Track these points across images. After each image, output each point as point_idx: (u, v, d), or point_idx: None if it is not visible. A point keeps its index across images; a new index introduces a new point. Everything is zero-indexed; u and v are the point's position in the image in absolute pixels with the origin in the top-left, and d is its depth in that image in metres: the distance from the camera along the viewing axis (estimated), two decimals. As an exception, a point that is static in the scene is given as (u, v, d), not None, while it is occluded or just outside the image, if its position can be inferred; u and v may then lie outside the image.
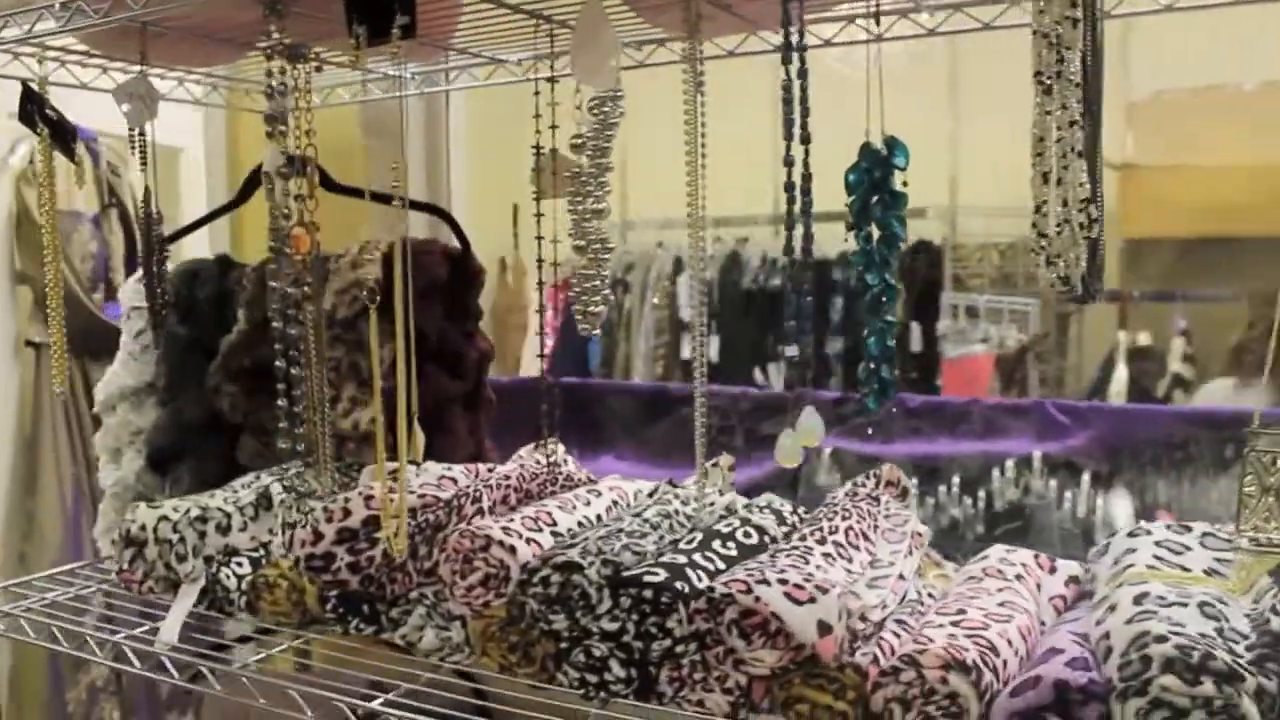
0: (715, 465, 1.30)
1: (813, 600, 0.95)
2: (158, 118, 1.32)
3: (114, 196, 2.27)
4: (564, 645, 1.08)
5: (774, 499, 1.26)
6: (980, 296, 2.71)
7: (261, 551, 1.34)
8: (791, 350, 1.02)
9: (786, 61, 0.93)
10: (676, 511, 1.19)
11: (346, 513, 1.18)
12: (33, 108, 1.27)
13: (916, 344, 2.94)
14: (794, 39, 0.93)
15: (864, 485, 1.18)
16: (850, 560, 1.06)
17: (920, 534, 1.16)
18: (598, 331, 1.06)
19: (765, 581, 0.97)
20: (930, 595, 1.11)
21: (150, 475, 1.63)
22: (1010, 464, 1.61)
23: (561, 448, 1.41)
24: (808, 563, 1.02)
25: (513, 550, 1.11)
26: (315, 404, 1.43)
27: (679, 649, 1.02)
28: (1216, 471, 1.61)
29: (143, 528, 1.29)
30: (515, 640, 1.11)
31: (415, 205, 1.62)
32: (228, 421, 1.61)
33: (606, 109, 0.99)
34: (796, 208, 1.02)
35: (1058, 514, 1.57)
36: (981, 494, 1.62)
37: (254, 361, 1.57)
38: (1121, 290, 2.79)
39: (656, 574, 1.03)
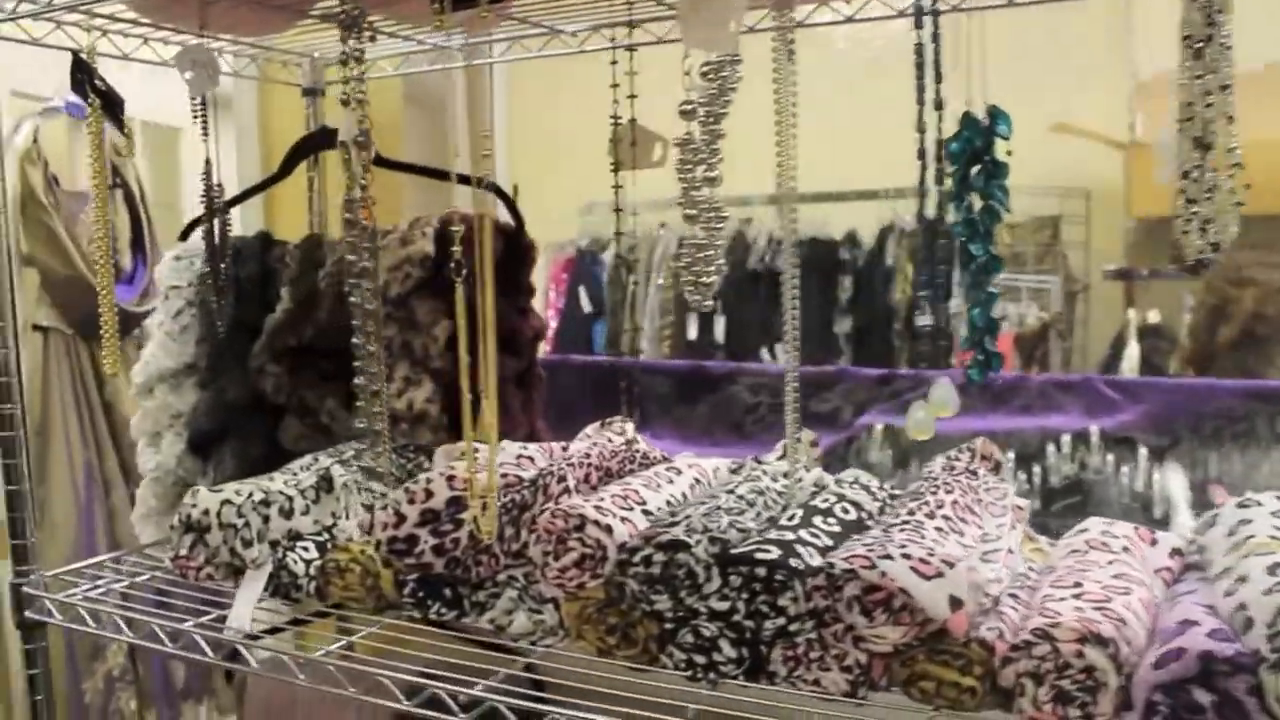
0: (799, 440, 1.28)
1: (940, 575, 0.93)
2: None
3: (118, 177, 2.19)
4: (668, 626, 1.06)
5: (861, 474, 1.24)
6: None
7: (326, 535, 1.30)
8: (925, 320, 1.00)
9: (919, 26, 0.90)
10: (768, 488, 1.17)
11: (429, 494, 1.14)
12: (83, 77, 1.22)
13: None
14: (926, 3, 0.90)
15: (959, 459, 1.17)
16: (962, 534, 1.04)
17: (1021, 507, 1.14)
18: (710, 303, 1.03)
19: (889, 556, 0.95)
20: (1032, 569, 1.09)
21: (191, 459, 1.58)
22: (1066, 439, 1.60)
23: (631, 425, 1.38)
24: (924, 537, 0.99)
25: (609, 529, 1.08)
26: (375, 384, 1.40)
27: (793, 627, 1.00)
28: (1268, 445, 1.61)
29: (205, 512, 1.24)
30: (614, 622, 1.08)
31: (467, 180, 1.59)
32: (270, 403, 1.57)
33: (725, 73, 0.96)
34: (930, 175, 0.99)
35: (1115, 488, 1.56)
36: (1037, 469, 1.61)
37: (299, 341, 1.53)
38: (1130, 268, 2.81)
39: (769, 551, 1.00)
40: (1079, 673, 0.90)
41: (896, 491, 1.22)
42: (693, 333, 3.23)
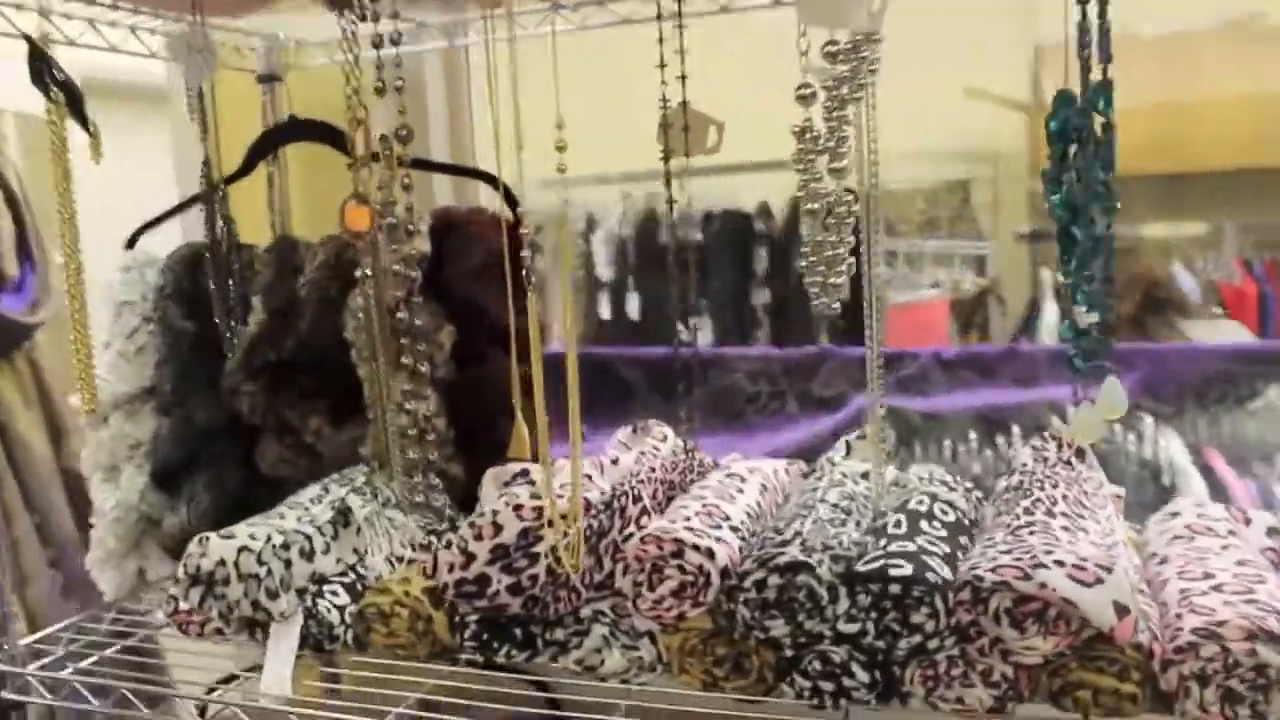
0: (860, 438, 1.22)
1: (1100, 581, 0.88)
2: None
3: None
4: (788, 653, 0.98)
5: (935, 469, 1.18)
6: (926, 242, 2.72)
7: (353, 576, 1.17)
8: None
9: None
10: (856, 493, 1.10)
11: (498, 527, 1.03)
12: (42, 66, 1.04)
13: (846, 292, 2.92)
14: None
15: (1048, 449, 1.12)
16: (1086, 531, 0.99)
17: (1120, 496, 1.11)
18: (837, 306, 0.95)
19: (1042, 565, 0.89)
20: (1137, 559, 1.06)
21: (156, 493, 1.41)
22: (1072, 410, 1.59)
23: (668, 430, 1.29)
24: (1059, 540, 0.95)
25: (710, 554, 0.99)
26: (380, 401, 1.27)
27: (931, 644, 0.94)
28: (1252, 405, 1.64)
29: (221, 563, 1.09)
30: (723, 653, 1.00)
31: (459, 170, 1.46)
32: (244, 425, 1.41)
33: (864, 52, 0.87)
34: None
35: (1124, 458, 1.56)
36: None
37: (279, 355, 1.38)
38: (1039, 229, 2.85)
39: (900, 566, 0.94)
40: (1249, 671, 0.87)
41: (968, 485, 1.17)
42: (605, 312, 3.14)
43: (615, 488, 1.08)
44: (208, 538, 1.11)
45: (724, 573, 1.00)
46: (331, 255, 1.36)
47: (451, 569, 1.03)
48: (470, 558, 1.02)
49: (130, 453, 1.40)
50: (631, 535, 1.03)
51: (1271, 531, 1.08)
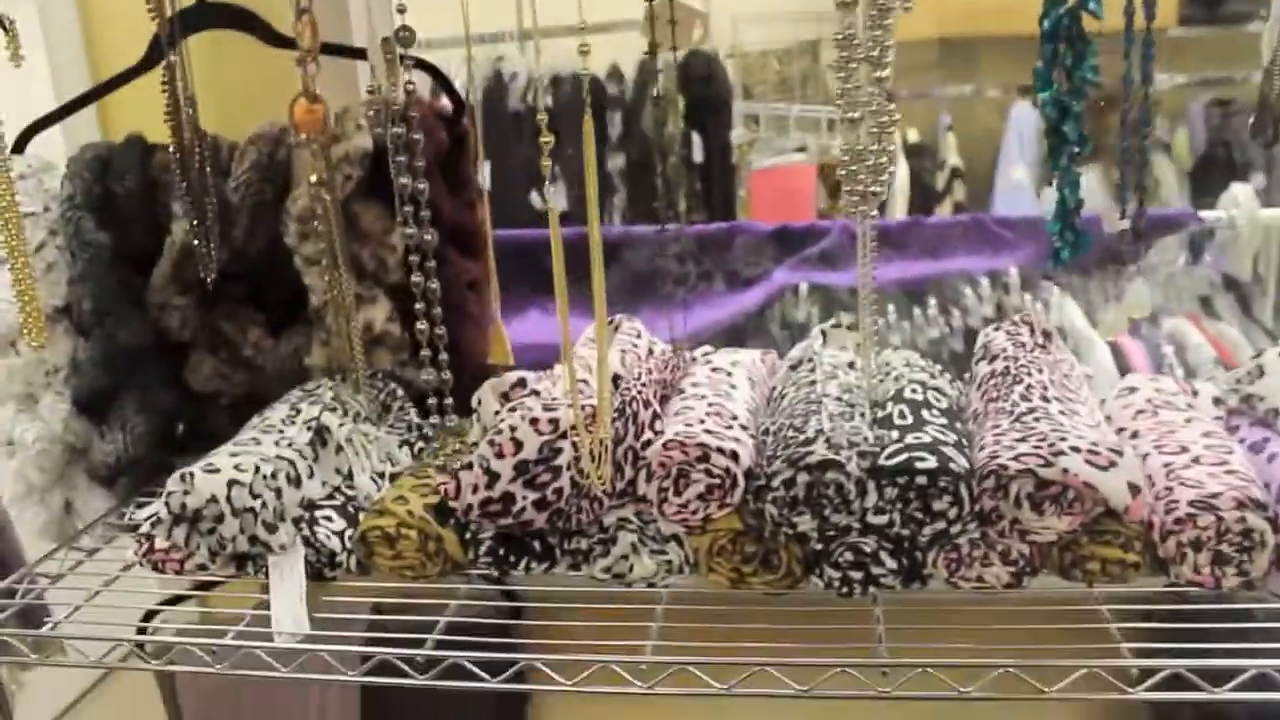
0: (837, 326, 1.25)
1: (1114, 464, 0.95)
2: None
3: None
4: (817, 546, 1.02)
5: (909, 354, 1.23)
6: (792, 106, 2.73)
7: (342, 498, 1.13)
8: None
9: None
10: (850, 385, 1.13)
11: (518, 444, 1.01)
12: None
13: (699, 155, 2.93)
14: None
15: (1020, 333, 1.18)
16: (1079, 414, 1.06)
17: (1090, 375, 1.18)
18: (875, 215, 0.95)
19: (1063, 452, 0.95)
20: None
21: (80, 420, 1.30)
22: (984, 280, 1.67)
23: (639, 323, 1.28)
24: (1065, 426, 1.01)
25: (735, 456, 1.01)
26: (341, 309, 1.21)
27: (954, 529, 0.99)
28: (1132, 269, 1.76)
29: (212, 499, 1.03)
30: (752, 550, 1.03)
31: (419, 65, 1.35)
32: (172, 341, 1.32)
33: (915, -42, 0.86)
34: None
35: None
36: (956, 313, 1.67)
37: (206, 273, 1.28)
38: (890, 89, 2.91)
39: (925, 459, 0.98)
40: (1237, 535, 0.96)
41: (939, 368, 1.22)
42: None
43: (623, 394, 1.07)
44: (191, 474, 1.05)
45: (748, 473, 1.02)
46: (264, 155, 1.27)
47: (476, 489, 1.01)
48: (494, 477, 1.00)
49: (48, 379, 1.28)
50: (651, 441, 1.03)
51: (1217, 401, 1.18)
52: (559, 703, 1.51)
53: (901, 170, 2.82)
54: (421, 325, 1.06)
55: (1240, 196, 1.71)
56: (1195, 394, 1.19)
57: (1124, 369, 1.61)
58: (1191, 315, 1.71)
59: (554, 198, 3.12)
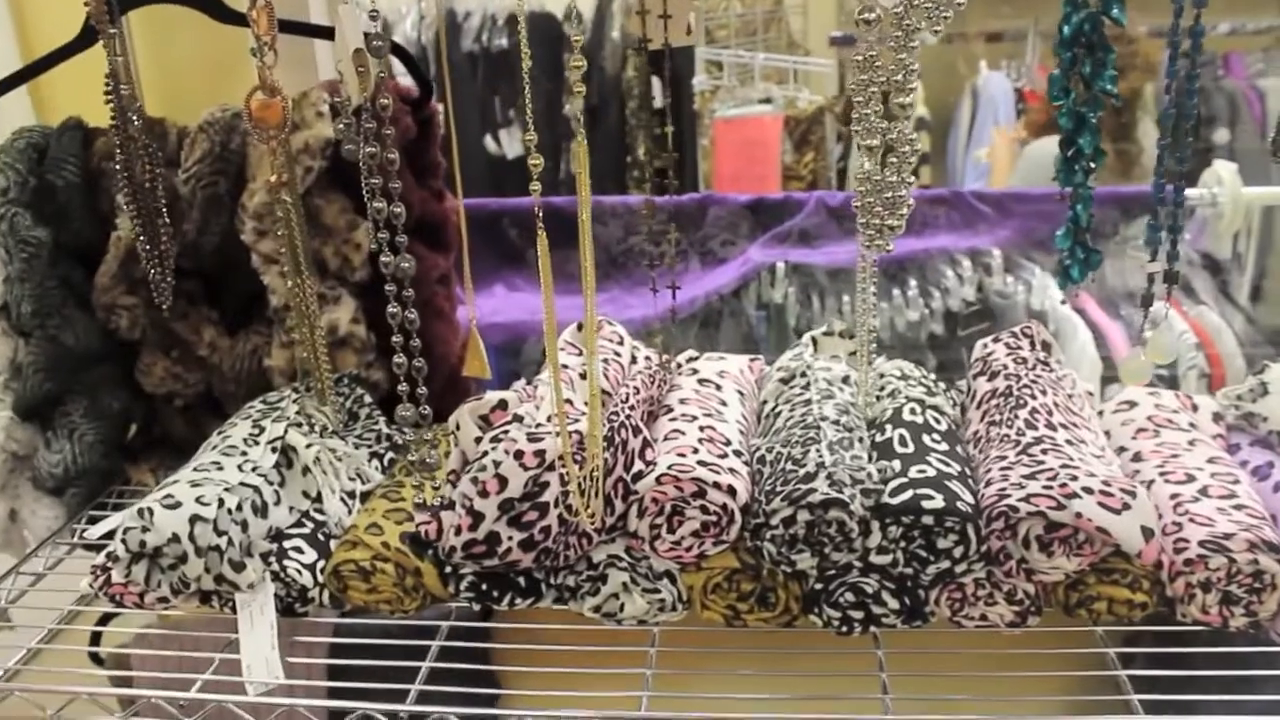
0: (829, 333, 1.19)
1: (1128, 507, 0.92)
2: None
3: None
4: (816, 586, 0.98)
5: (903, 364, 1.18)
6: (756, 55, 2.63)
7: (310, 525, 1.07)
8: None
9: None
10: (847, 405, 1.08)
11: (503, 481, 0.95)
12: None
13: (659, 100, 2.84)
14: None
15: (1021, 347, 1.13)
16: (1085, 443, 1.02)
17: (1091, 393, 1.14)
18: (891, 247, 0.88)
19: (1075, 495, 0.92)
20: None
21: (23, 428, 1.22)
22: (966, 261, 1.63)
23: (620, 328, 1.22)
24: (1074, 461, 0.97)
25: (732, 491, 0.96)
26: (304, 315, 1.14)
27: (959, 569, 0.96)
28: (1111, 245, 1.73)
29: (174, 538, 0.96)
30: (749, 588, 0.99)
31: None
32: (119, 341, 1.23)
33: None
34: None
35: (1016, 310, 1.62)
36: (936, 293, 1.63)
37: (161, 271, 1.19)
38: (852, 34, 2.83)
39: (932, 497, 0.94)
40: (1247, 577, 0.93)
41: (934, 378, 1.18)
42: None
43: (611, 420, 1.01)
44: (150, 510, 0.97)
45: (745, 509, 0.97)
46: (217, 144, 1.18)
47: (459, 531, 0.95)
48: (478, 517, 0.95)
49: (-14, 384, 1.20)
50: (642, 474, 0.98)
51: (1217, 417, 1.15)
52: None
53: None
54: (393, 308, 0.98)
55: (1223, 174, 1.68)
56: (1195, 409, 1.16)
57: (1104, 354, 1.58)
58: (1171, 299, 1.68)
59: (509, 144, 3.03)
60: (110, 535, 1.03)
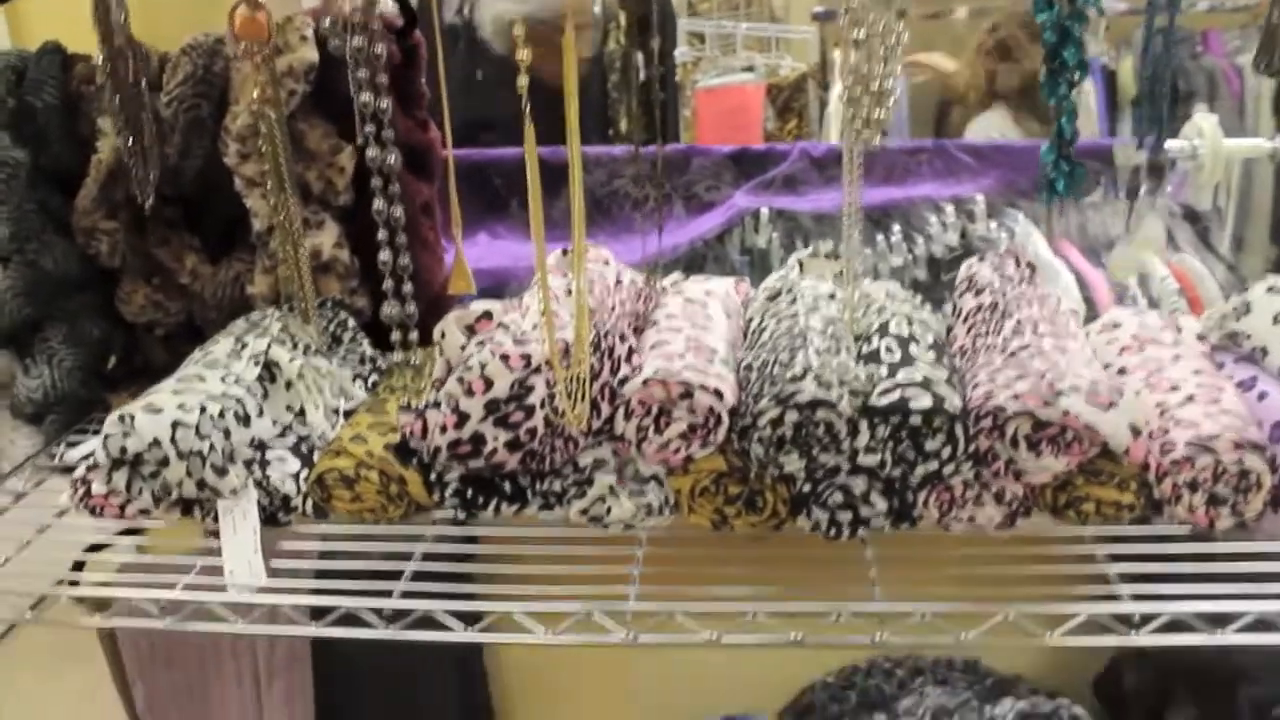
0: (815, 255, 1.19)
1: (1114, 404, 0.92)
2: None
3: None
4: (804, 488, 0.97)
5: (889, 284, 1.18)
6: (739, 25, 2.64)
7: (294, 437, 1.06)
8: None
9: None
10: (833, 317, 1.08)
11: (488, 381, 0.94)
12: None
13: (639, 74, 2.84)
14: None
15: (1004, 265, 1.13)
16: (1069, 351, 1.02)
17: (1077, 311, 1.14)
18: (878, 141, 0.88)
19: (1062, 392, 0.92)
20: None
21: (2, 354, 1.21)
22: (949, 208, 1.63)
23: (605, 251, 1.21)
24: (1059, 364, 0.97)
25: (719, 394, 0.95)
26: (288, 235, 1.13)
27: (946, 470, 0.95)
28: (1092, 198, 1.73)
29: (155, 443, 0.95)
30: (736, 492, 0.98)
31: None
32: (102, 268, 1.22)
33: None
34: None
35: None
36: (920, 240, 1.63)
37: (142, 194, 1.18)
38: (834, 10, 2.84)
39: (919, 397, 0.94)
40: (1233, 476, 0.93)
41: (920, 299, 1.18)
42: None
43: (597, 327, 1.01)
44: (131, 415, 0.96)
45: (732, 412, 0.97)
46: (199, 68, 1.17)
47: (444, 430, 0.94)
48: (464, 417, 0.94)
49: (-37, 308, 1.18)
50: (629, 378, 0.97)
51: (1201, 338, 1.15)
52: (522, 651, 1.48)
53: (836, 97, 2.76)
54: (385, 256, 0.97)
55: (1204, 126, 1.68)
56: (1179, 330, 1.16)
57: (1088, 300, 1.58)
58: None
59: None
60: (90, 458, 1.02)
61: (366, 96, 0.96)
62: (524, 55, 0.87)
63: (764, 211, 1.62)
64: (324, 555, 1.02)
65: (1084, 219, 1.70)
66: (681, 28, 2.72)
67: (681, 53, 2.68)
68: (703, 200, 1.63)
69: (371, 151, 0.95)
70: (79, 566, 1.22)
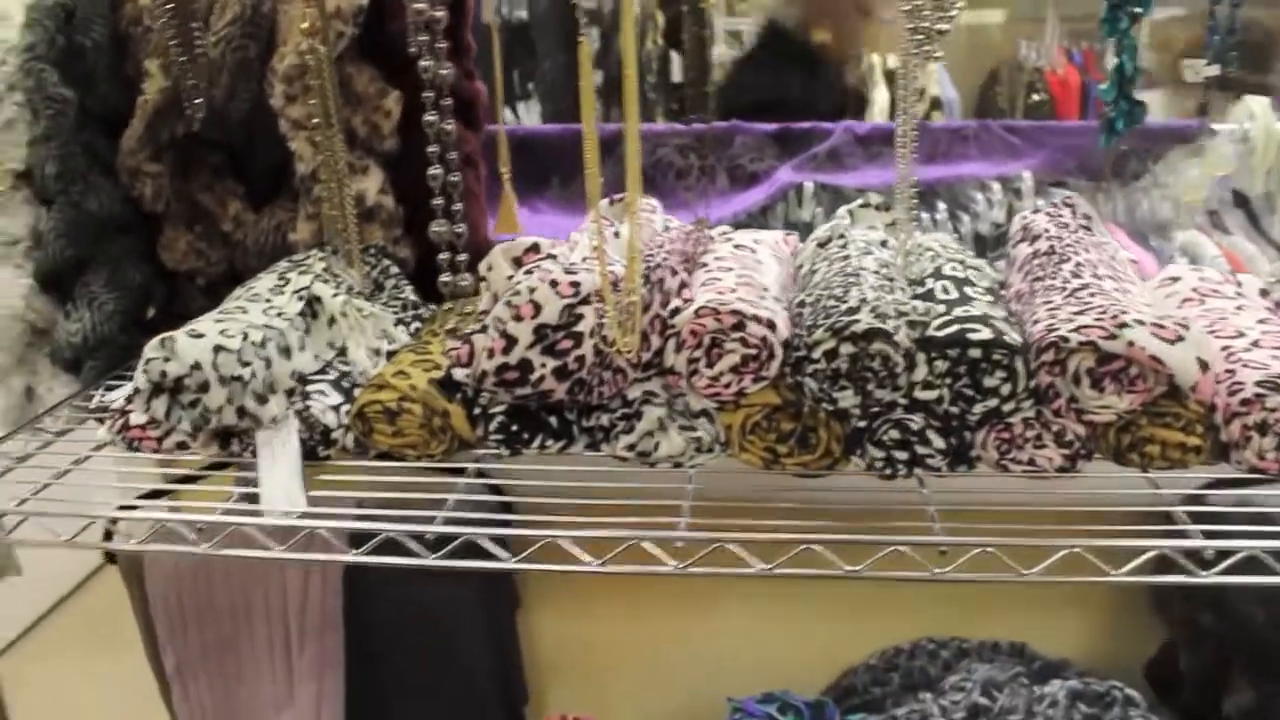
0: (865, 205, 1.17)
1: (1181, 338, 0.89)
2: None
3: None
4: (859, 424, 0.95)
5: (941, 235, 1.16)
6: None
7: (336, 372, 1.04)
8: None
9: None
10: (887, 261, 1.05)
11: (537, 306, 0.92)
12: None
13: (677, 75, 2.84)
14: None
15: (1060, 213, 1.11)
16: (1131, 293, 0.99)
17: (1135, 260, 1.12)
18: (941, 54, 0.86)
19: (1126, 324, 0.89)
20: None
21: (43, 298, 1.20)
22: (996, 186, 1.61)
23: (654, 200, 1.20)
24: (1122, 301, 0.94)
25: (772, 325, 0.93)
26: (333, 174, 1.11)
27: (1007, 408, 0.92)
28: (1141, 182, 1.71)
29: (196, 366, 0.94)
30: (788, 428, 0.95)
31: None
32: (145, 212, 1.21)
33: None
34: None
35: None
36: (966, 218, 1.61)
37: (186, 129, 1.18)
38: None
39: (979, 330, 0.91)
40: (1306, 418, 0.90)
41: (971, 251, 1.15)
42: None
43: (649, 259, 0.99)
44: (172, 339, 0.95)
45: (785, 344, 0.94)
46: (247, 7, 1.16)
47: (491, 354, 0.92)
48: (512, 341, 0.92)
49: (6, 251, 1.18)
50: (680, 309, 0.95)
51: (1263, 293, 1.12)
52: (549, 602, 1.45)
53: (882, 97, 2.75)
54: (434, 170, 0.96)
55: (1256, 109, 1.66)
56: (1239, 285, 1.13)
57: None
58: (1201, 230, 1.67)
59: (527, 116, 3.03)
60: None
61: (427, 61, 0.94)
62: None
63: (808, 186, 1.60)
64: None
65: (1131, 202, 1.68)
66: (719, 26, 2.73)
67: (718, 53, 2.68)
68: (747, 171, 1.62)
69: (430, 115, 0.93)
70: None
